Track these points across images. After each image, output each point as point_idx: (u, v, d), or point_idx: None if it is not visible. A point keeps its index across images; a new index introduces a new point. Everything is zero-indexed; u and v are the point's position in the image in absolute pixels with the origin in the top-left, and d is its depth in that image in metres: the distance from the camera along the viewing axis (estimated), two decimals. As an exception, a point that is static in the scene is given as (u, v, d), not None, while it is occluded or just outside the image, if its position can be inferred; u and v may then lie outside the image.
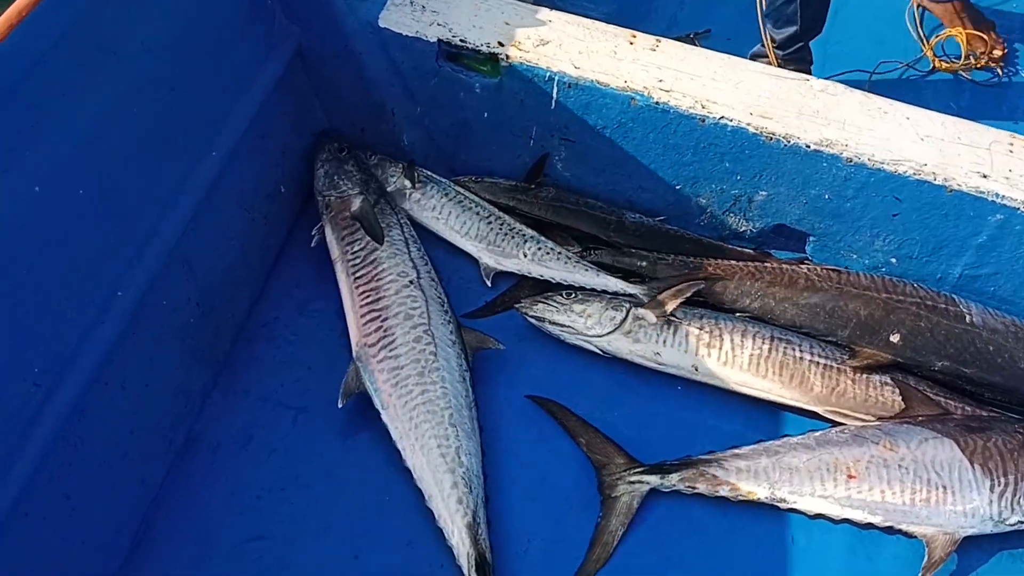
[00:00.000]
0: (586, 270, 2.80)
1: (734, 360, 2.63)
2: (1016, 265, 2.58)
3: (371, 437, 2.54)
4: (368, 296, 2.65)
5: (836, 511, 2.41)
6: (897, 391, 2.56)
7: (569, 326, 2.70)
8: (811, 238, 2.81)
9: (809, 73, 3.40)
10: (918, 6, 3.85)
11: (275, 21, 2.68)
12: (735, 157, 2.62)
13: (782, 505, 2.44)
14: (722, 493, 2.45)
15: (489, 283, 2.89)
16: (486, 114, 2.84)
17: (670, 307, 2.66)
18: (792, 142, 2.51)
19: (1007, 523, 2.36)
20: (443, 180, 3.01)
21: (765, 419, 2.65)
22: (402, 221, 2.87)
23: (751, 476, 2.44)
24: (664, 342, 2.66)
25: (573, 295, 2.75)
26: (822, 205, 2.66)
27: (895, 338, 2.60)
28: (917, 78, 3.73)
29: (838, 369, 2.61)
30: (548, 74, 2.62)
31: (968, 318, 2.62)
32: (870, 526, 2.42)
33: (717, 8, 3.88)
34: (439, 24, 2.68)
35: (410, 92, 2.87)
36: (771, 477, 2.43)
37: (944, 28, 3.76)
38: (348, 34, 2.71)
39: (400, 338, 2.56)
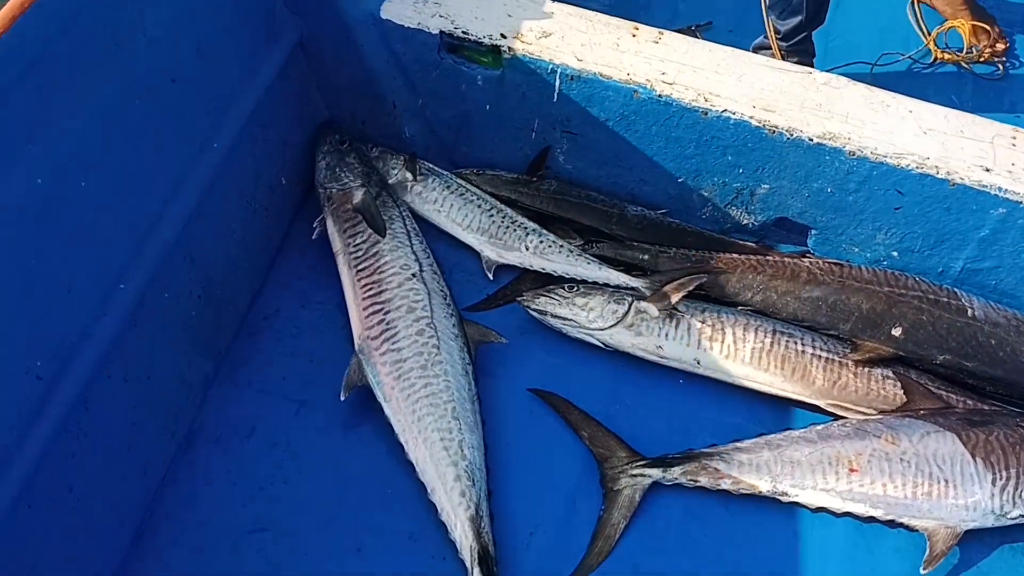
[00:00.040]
0: (588, 263, 2.79)
1: (736, 354, 2.63)
2: (1018, 259, 2.58)
3: (373, 430, 2.55)
4: (370, 289, 2.65)
5: (838, 504, 2.41)
6: (899, 385, 2.57)
7: (571, 319, 2.70)
8: (813, 231, 2.81)
9: (812, 66, 3.39)
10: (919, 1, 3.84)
11: (277, 13, 2.67)
12: (738, 150, 2.62)
13: (784, 498, 2.44)
14: (724, 486, 2.45)
15: (491, 276, 2.89)
16: (488, 106, 2.83)
17: (672, 300, 2.66)
18: (795, 135, 2.51)
19: (1008, 517, 2.36)
20: (444, 173, 3.01)
21: (767, 413, 2.66)
22: (404, 214, 2.87)
23: (753, 469, 2.44)
24: (666, 335, 2.66)
25: (575, 288, 2.75)
26: (824, 198, 2.66)
27: (897, 332, 2.61)
28: (919, 71, 3.73)
29: (840, 363, 2.61)
30: (550, 66, 2.61)
31: (970, 312, 2.62)
32: (872, 519, 2.42)
33: (718, 0, 3.86)
34: (441, 16, 2.67)
35: (412, 84, 2.86)
36: (773, 470, 2.44)
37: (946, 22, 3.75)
38: (350, 26, 2.70)
39: (403, 331, 2.56)
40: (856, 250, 2.79)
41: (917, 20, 3.83)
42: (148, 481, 2.45)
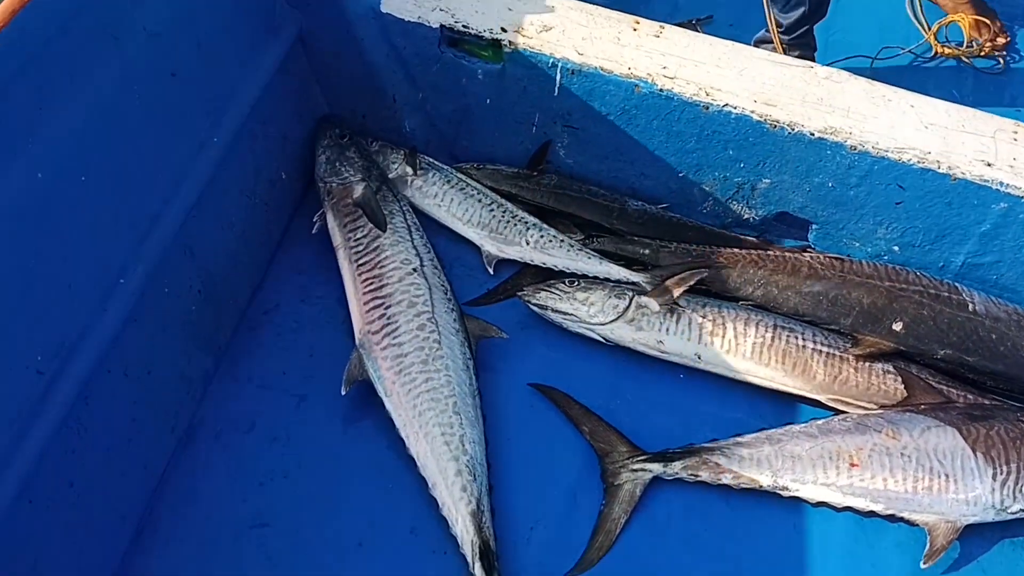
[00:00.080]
0: (589, 258, 2.79)
1: (737, 348, 2.63)
2: (1019, 253, 2.58)
3: (374, 424, 2.54)
4: (371, 283, 2.65)
5: (838, 499, 2.41)
6: (899, 379, 2.57)
7: (572, 314, 2.70)
8: (814, 226, 2.81)
9: (813, 59, 3.39)
10: (919, -6, 3.85)
11: (276, 7, 2.66)
12: (739, 145, 2.61)
13: (784, 493, 2.44)
14: (725, 481, 2.45)
15: (491, 271, 2.88)
16: (488, 100, 2.83)
17: (673, 295, 2.66)
18: (796, 130, 2.50)
19: (1009, 511, 2.37)
20: (445, 167, 3.00)
21: (768, 407, 2.66)
22: (404, 208, 2.86)
23: (754, 464, 2.44)
24: (667, 330, 2.66)
25: (576, 283, 2.75)
26: (825, 193, 2.66)
27: (898, 326, 2.61)
28: (920, 65, 3.72)
29: (841, 357, 2.61)
30: (551, 60, 2.61)
31: (971, 306, 2.62)
32: (872, 514, 2.43)
33: (719, -6, 3.86)
34: (441, 9, 2.66)
35: (412, 78, 2.85)
36: (774, 465, 2.44)
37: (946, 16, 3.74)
38: (350, 19, 2.69)
39: (404, 326, 2.55)
40: (857, 245, 2.78)
41: (917, 14, 3.83)
42: (149, 476, 2.45)
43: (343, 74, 2.89)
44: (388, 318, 2.57)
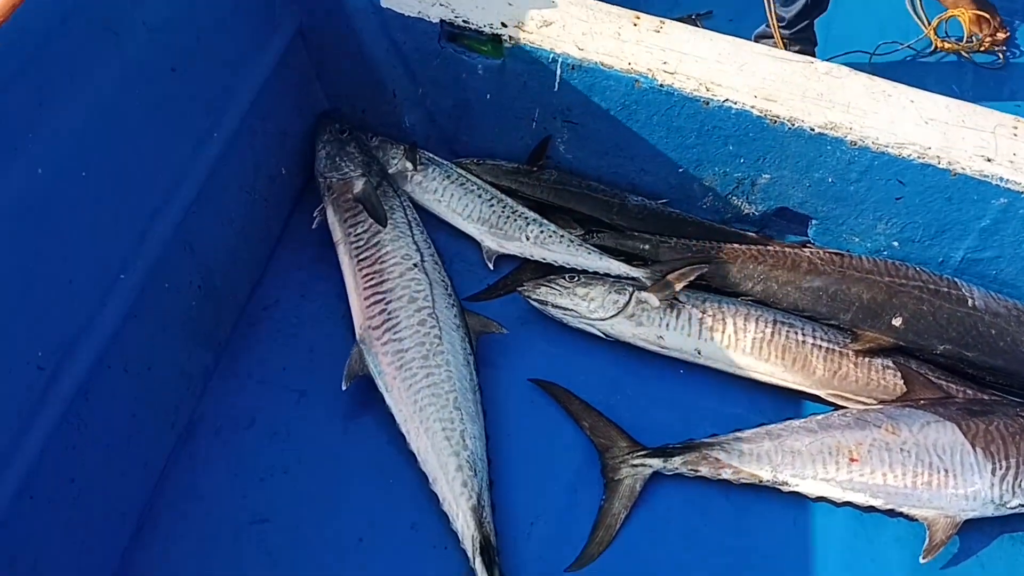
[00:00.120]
0: (589, 253, 2.79)
1: (737, 344, 2.63)
2: (1019, 249, 2.58)
3: (374, 420, 2.55)
4: (372, 279, 2.64)
5: (838, 494, 2.42)
6: (899, 375, 2.57)
7: (572, 309, 2.70)
8: (814, 221, 2.81)
9: (813, 54, 3.38)
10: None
11: (276, 1, 2.65)
12: (739, 140, 2.61)
13: (784, 488, 2.45)
14: (725, 476, 2.46)
15: (491, 266, 2.88)
16: (488, 96, 2.82)
17: (673, 290, 2.66)
18: (796, 125, 2.50)
19: (1008, 506, 2.37)
20: (445, 162, 3.00)
21: (767, 402, 2.66)
22: (404, 203, 2.86)
23: (754, 459, 2.45)
24: (667, 325, 2.66)
25: (576, 278, 2.75)
26: (825, 188, 2.66)
27: (897, 322, 2.61)
28: (919, 60, 3.72)
29: (840, 353, 2.62)
30: (551, 55, 2.60)
31: (970, 302, 2.62)
32: (872, 509, 2.43)
33: (718, -11, 3.86)
34: (441, 4, 2.66)
35: (412, 73, 2.85)
36: (773, 460, 2.44)
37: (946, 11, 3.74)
38: (350, 14, 2.68)
39: (404, 321, 2.55)
40: (857, 240, 2.79)
41: (916, 9, 3.82)
42: (149, 472, 2.45)
43: (343, 69, 2.89)
44: (389, 313, 2.57)
